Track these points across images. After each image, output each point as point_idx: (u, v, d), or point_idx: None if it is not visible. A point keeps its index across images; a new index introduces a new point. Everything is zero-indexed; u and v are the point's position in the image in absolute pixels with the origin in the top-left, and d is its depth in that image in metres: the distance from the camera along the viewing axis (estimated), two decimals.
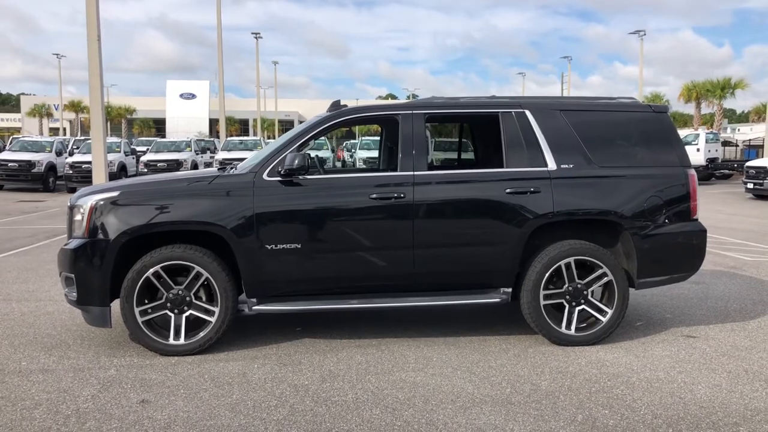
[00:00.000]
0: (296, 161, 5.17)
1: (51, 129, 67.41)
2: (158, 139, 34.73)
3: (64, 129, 65.77)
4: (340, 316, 6.26)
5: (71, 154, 25.59)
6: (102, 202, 5.17)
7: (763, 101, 46.22)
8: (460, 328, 5.95)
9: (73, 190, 19.50)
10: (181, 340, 5.18)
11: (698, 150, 27.29)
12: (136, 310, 5.12)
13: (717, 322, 6.19)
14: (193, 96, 70.65)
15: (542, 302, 5.38)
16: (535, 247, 5.47)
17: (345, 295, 5.43)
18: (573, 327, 5.42)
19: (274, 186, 5.27)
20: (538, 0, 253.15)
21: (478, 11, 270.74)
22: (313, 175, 5.51)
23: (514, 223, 5.35)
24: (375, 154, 22.18)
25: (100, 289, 5.12)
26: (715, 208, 17.05)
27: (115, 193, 5.25)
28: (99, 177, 15.27)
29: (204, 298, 5.29)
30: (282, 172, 5.24)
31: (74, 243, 5.20)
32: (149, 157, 26.97)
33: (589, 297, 5.47)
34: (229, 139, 32.62)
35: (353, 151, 33.51)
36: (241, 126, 72.91)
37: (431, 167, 6.04)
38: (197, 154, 28.95)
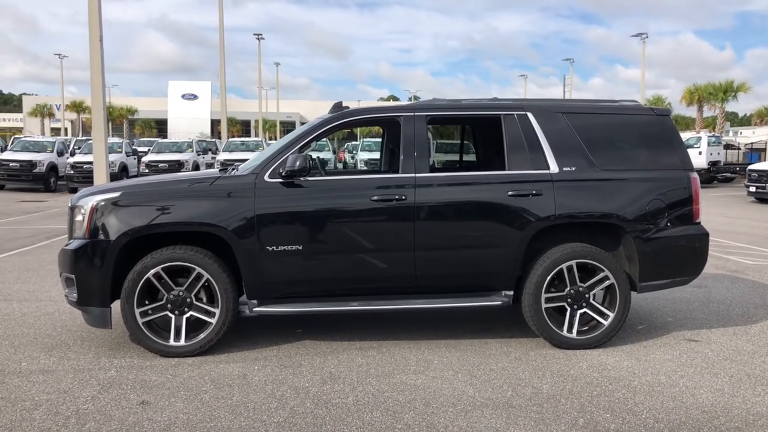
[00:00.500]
0: (297, 163, 5.16)
1: (53, 129, 67.48)
2: (160, 140, 34.74)
3: (66, 129, 65.83)
4: (341, 318, 6.25)
5: (72, 154, 25.60)
6: (103, 203, 5.16)
7: (766, 104, 46.22)
8: (461, 330, 5.93)
9: (74, 191, 19.49)
10: (182, 342, 5.17)
11: (700, 153, 27.27)
12: (137, 311, 5.10)
13: (719, 326, 6.17)
14: (194, 97, 70.76)
15: (544, 305, 5.37)
16: (537, 249, 5.45)
17: (346, 297, 5.41)
18: (574, 330, 5.41)
19: (276, 187, 5.26)
20: (540, 2, 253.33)
21: (479, 13, 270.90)
22: (315, 176, 5.50)
23: (516, 226, 5.34)
24: (376, 155, 22.23)
25: (101, 290, 5.11)
26: (718, 212, 17.03)
27: (116, 194, 5.24)
28: (100, 177, 15.27)
29: (204, 300, 5.28)
30: (283, 174, 5.23)
31: (75, 243, 5.19)
32: (150, 157, 27.00)
33: (591, 300, 5.46)
34: (230, 140, 32.63)
35: (355, 152, 33.53)
36: (242, 127, 72.94)
37: (433, 169, 6.03)
38: (199, 154, 28.96)
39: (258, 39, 53.91)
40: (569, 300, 5.42)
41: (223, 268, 5.17)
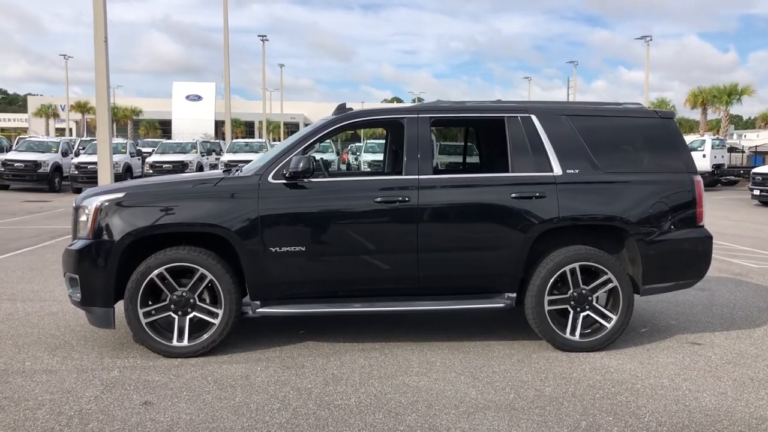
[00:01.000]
0: (301, 164, 5.16)
1: (57, 129, 67.68)
2: (164, 141, 34.80)
3: (71, 129, 66.01)
4: (344, 320, 6.25)
5: (77, 154, 25.66)
6: (107, 203, 5.17)
7: None
8: (463, 332, 5.93)
9: (78, 191, 19.54)
10: (185, 342, 5.18)
11: (704, 156, 27.23)
12: (140, 312, 5.12)
13: (722, 330, 6.16)
14: (199, 98, 70.79)
15: (546, 308, 5.36)
16: (540, 252, 5.45)
17: (349, 299, 5.42)
18: (577, 333, 5.40)
19: (279, 189, 5.27)
20: (544, 4, 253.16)
21: (483, 15, 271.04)
22: (318, 178, 5.50)
23: (519, 228, 5.34)
24: (380, 157, 22.24)
25: (104, 290, 5.12)
26: (721, 215, 16.99)
27: (120, 195, 5.25)
28: (104, 178, 15.31)
29: (208, 300, 5.29)
30: (287, 175, 5.24)
31: (79, 244, 5.21)
32: (155, 158, 27.02)
33: (594, 303, 5.45)
34: (234, 141, 32.66)
35: (358, 154, 33.54)
36: (246, 128, 73.02)
37: (436, 171, 6.03)
38: (203, 155, 28.99)
39: (262, 40, 54.03)
40: (572, 302, 5.41)
41: (226, 269, 5.18)
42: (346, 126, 5.64)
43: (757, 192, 20.32)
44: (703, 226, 5.68)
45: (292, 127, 66.85)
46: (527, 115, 5.58)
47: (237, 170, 5.80)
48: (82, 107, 63.31)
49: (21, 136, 36.04)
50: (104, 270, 5.10)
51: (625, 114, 5.78)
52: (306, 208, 5.30)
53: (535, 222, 5.33)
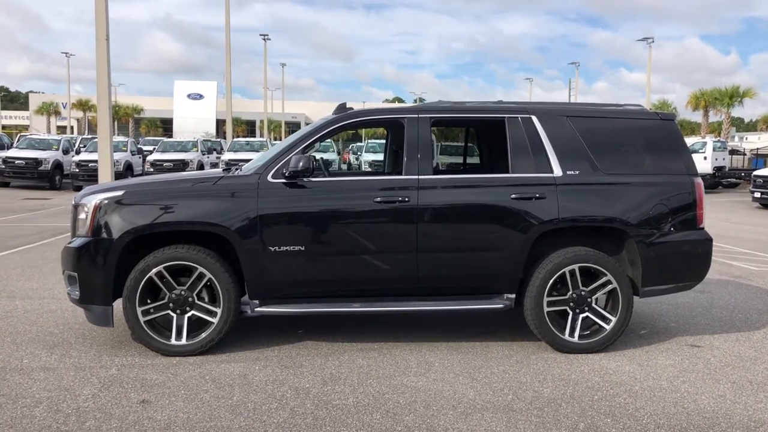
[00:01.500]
0: (301, 163, 5.15)
1: (59, 127, 67.72)
2: (165, 139, 34.81)
3: (72, 127, 66.02)
4: (343, 319, 6.24)
5: (78, 152, 25.66)
6: (106, 201, 5.17)
7: None
8: (462, 333, 5.92)
9: (79, 189, 19.43)
10: (183, 341, 5.17)
11: (705, 158, 27.22)
12: (139, 310, 5.11)
13: (722, 332, 6.15)
14: (200, 96, 70.90)
15: (546, 309, 5.35)
16: (540, 253, 5.44)
17: (348, 298, 5.41)
18: (576, 334, 5.39)
19: (279, 188, 5.26)
20: (546, 5, 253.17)
21: (485, 15, 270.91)
22: (318, 177, 5.49)
23: (519, 229, 5.33)
24: (381, 157, 22.25)
25: (103, 288, 5.12)
26: (722, 217, 16.98)
27: (119, 193, 5.25)
28: (105, 176, 15.30)
29: (206, 299, 5.28)
30: (287, 174, 5.23)
31: (78, 241, 5.20)
32: (155, 156, 27.03)
33: (593, 304, 5.44)
34: (235, 140, 32.69)
35: (359, 154, 33.54)
36: (247, 127, 73.01)
37: (436, 171, 6.02)
38: (203, 154, 29.02)
39: (264, 39, 53.96)
40: (571, 304, 5.40)
41: (225, 268, 5.18)
42: (347, 125, 5.63)
43: (758, 194, 20.30)
44: (703, 229, 5.67)
45: (293, 127, 66.82)
46: (527, 115, 5.57)
47: (236, 169, 5.80)
48: (83, 105, 63.34)
49: (22, 134, 36.04)
50: (103, 268, 5.09)
51: (626, 115, 5.77)
52: (305, 207, 5.29)
53: (534, 223, 5.32)
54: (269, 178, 5.27)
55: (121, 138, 29.69)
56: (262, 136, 55.99)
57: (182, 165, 25.82)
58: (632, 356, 5.37)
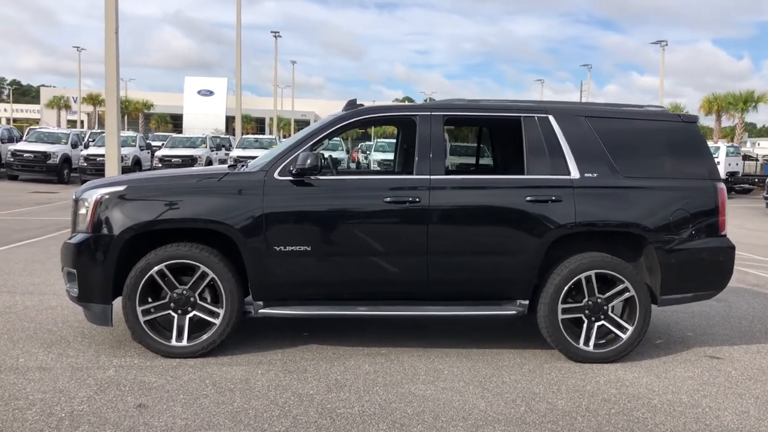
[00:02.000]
0: (308, 161, 4.97)
1: (69, 121, 67.99)
2: (174, 135, 34.77)
3: (82, 122, 66.23)
4: (349, 323, 6.04)
5: (86, 146, 25.63)
6: (107, 196, 5.01)
7: None
8: (473, 339, 5.72)
9: None
10: (184, 342, 5.00)
11: (719, 163, 26.89)
12: (139, 310, 4.94)
13: (742, 343, 5.93)
14: (210, 93, 70.95)
15: (560, 316, 5.15)
16: (555, 258, 5.23)
17: (355, 301, 5.22)
18: (591, 343, 5.19)
19: (285, 186, 5.08)
20: (558, 7, 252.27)
21: (497, 16, 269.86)
22: (326, 175, 5.31)
23: (534, 233, 5.13)
24: (390, 156, 22.05)
25: (103, 286, 4.96)
26: (735, 223, 16.68)
27: (121, 188, 5.09)
28: (112, 170, 15.22)
29: (209, 299, 5.10)
30: (294, 172, 5.06)
31: (78, 237, 5.06)
32: (164, 152, 26.99)
33: (610, 312, 5.23)
34: (244, 136, 32.62)
35: (368, 153, 33.35)
36: (257, 124, 73.05)
37: (448, 172, 5.83)
38: (212, 150, 28.95)
39: (275, 37, 53.90)
40: (587, 311, 5.20)
41: (228, 268, 5.00)
42: (357, 123, 5.45)
43: None
44: (725, 236, 5.47)
45: (302, 125, 66.68)
46: (545, 115, 5.37)
47: (242, 165, 5.63)
48: (93, 99, 63.50)
49: (32, 127, 36.12)
50: (103, 265, 4.94)
51: (647, 117, 5.56)
52: (312, 206, 5.12)
53: (550, 227, 5.12)
54: (276, 175, 5.09)
55: (130, 133, 29.64)
56: (271, 133, 55.93)
57: (191, 161, 25.73)
58: (649, 367, 5.16)
